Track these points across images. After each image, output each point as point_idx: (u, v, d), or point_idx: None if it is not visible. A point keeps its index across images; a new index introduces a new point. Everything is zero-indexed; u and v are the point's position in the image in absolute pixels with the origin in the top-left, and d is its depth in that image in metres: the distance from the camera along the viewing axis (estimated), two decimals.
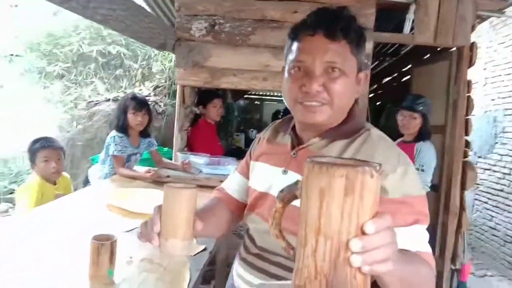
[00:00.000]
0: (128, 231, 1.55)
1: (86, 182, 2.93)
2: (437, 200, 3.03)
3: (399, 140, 2.85)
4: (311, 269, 0.49)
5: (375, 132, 0.90)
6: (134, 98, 2.67)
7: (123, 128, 2.62)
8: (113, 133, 2.61)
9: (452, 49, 3.08)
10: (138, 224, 1.55)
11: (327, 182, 0.47)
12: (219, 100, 3.31)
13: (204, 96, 3.33)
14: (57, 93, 5.23)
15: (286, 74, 0.90)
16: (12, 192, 5.44)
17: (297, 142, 0.97)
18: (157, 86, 4.75)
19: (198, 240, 1.52)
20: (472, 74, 5.28)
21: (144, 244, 1.39)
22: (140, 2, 3.31)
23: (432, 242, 2.91)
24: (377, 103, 5.37)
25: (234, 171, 1.19)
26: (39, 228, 1.51)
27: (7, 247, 1.31)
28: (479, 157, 5.09)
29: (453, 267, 3.00)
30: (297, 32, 0.88)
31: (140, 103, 2.64)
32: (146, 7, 3.46)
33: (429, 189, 2.64)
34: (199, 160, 2.80)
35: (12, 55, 5.67)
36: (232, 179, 1.16)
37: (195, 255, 1.38)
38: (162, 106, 4.26)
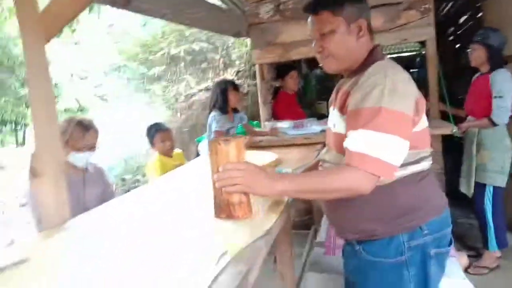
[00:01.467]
0: None
1: (197, 156, 3.56)
2: None
3: (477, 74, 2.92)
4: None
5: (379, 63, 1.19)
6: (229, 81, 3.21)
7: (223, 107, 3.15)
8: (213, 113, 3.16)
9: None
10: None
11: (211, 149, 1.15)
12: (295, 71, 3.70)
13: (281, 70, 3.74)
14: (158, 93, 6.10)
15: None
16: (137, 181, 6.52)
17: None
18: (238, 71, 5.29)
19: None
20: None
21: None
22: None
23: None
24: (457, 46, 5.21)
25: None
26: (170, 189, 1.90)
27: (148, 204, 1.87)
28: None
29: None
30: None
31: (236, 85, 3.19)
32: (219, 3, 3.95)
33: (506, 119, 2.66)
34: (284, 125, 3.23)
35: (119, 66, 6.71)
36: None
37: None
38: (246, 87, 4.78)
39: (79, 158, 2.06)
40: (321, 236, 2.35)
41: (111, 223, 1.45)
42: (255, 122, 4.08)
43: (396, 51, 6.93)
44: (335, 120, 1.24)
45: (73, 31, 8.27)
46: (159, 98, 6.04)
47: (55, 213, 1.46)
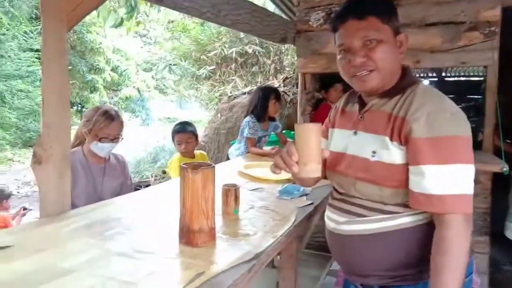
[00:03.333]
0: (252, 190, 1.96)
1: (228, 159, 3.51)
2: None
3: None
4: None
5: (421, 86, 1.05)
6: (273, 89, 3.14)
7: (260, 114, 3.07)
8: (248, 118, 3.10)
9: None
10: (260, 186, 1.95)
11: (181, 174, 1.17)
12: (340, 84, 3.53)
13: (326, 81, 3.59)
14: (206, 92, 6.17)
15: (338, 58, 1.12)
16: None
17: (362, 107, 1.15)
18: (286, 78, 5.19)
19: (307, 197, 1.83)
20: None
21: (264, 197, 1.76)
22: (261, 3, 3.75)
23: None
24: None
25: None
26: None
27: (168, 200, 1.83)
28: None
29: None
30: (335, 24, 1.11)
31: (279, 94, 3.11)
32: (269, 7, 3.88)
33: None
34: None
35: (170, 64, 6.88)
36: None
37: (302, 206, 1.69)
38: (290, 95, 4.67)
39: (101, 148, 2.07)
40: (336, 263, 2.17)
41: (110, 219, 1.42)
42: (292, 132, 3.95)
43: (456, 74, 6.46)
44: (375, 148, 1.05)
45: (138, 23, 8.62)
46: (206, 97, 6.10)
47: (55, 202, 1.46)
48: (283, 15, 3.80)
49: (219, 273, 1.03)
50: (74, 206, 1.69)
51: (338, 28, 1.09)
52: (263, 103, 3.07)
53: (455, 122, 0.96)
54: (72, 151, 1.87)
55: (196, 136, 2.83)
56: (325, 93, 3.53)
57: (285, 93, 4.61)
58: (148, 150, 8.93)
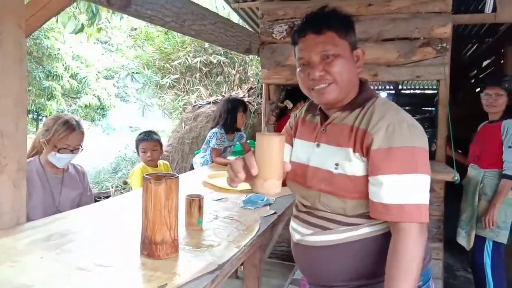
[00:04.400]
0: (216, 200, 1.96)
1: (192, 168, 3.49)
2: None
3: (484, 123, 2.78)
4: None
5: (380, 99, 1.10)
6: (243, 101, 3.17)
7: (229, 126, 3.09)
8: (216, 129, 3.11)
9: None
10: (225, 196, 1.95)
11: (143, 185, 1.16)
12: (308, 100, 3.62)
13: (293, 94, 3.66)
14: (169, 101, 6.09)
15: (297, 71, 1.15)
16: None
17: (324, 119, 1.17)
18: (251, 88, 5.24)
19: (270, 207, 1.85)
20: None
21: (228, 207, 1.77)
22: (226, 14, 3.79)
23: None
24: (477, 89, 5.06)
25: None
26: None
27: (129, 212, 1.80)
28: None
29: None
30: (294, 38, 1.14)
31: (246, 106, 3.13)
32: (234, 18, 3.93)
33: None
34: None
35: (133, 72, 6.75)
36: None
37: (265, 216, 1.71)
38: (255, 105, 4.71)
39: (59, 159, 1.99)
40: (299, 273, 2.20)
41: (69, 232, 1.37)
42: None
43: (412, 87, 6.81)
44: (338, 160, 1.06)
45: (99, 30, 8.42)
46: (170, 106, 6.03)
47: (10, 214, 1.39)
48: (248, 27, 3.87)
49: (182, 285, 1.02)
50: (30, 218, 1.62)
51: (297, 42, 1.13)
52: (232, 115, 3.10)
53: (413, 134, 0.99)
54: (28, 161, 1.80)
55: (161, 144, 2.82)
56: (293, 106, 3.59)
57: (250, 103, 4.65)
58: (108, 160, 8.67)
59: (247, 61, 6.30)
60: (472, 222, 2.62)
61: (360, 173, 1.03)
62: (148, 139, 2.73)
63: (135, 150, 2.85)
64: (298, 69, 1.15)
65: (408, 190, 0.96)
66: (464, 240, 2.68)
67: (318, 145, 1.15)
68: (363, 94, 1.13)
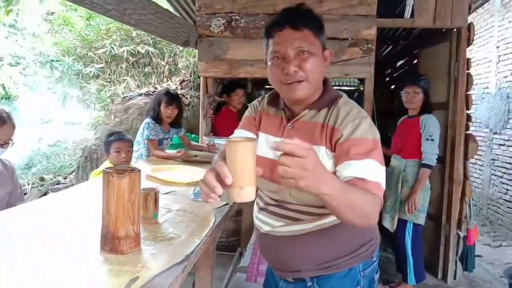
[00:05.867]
0: (165, 193, 1.94)
1: None
2: (442, 171, 3.27)
3: (404, 117, 3.10)
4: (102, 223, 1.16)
5: (343, 99, 1.18)
6: (167, 93, 3.09)
7: (157, 117, 3.04)
8: (148, 120, 3.03)
9: (453, 30, 3.28)
10: (173, 189, 1.94)
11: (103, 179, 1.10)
12: (241, 90, 3.69)
13: (228, 86, 3.71)
14: (94, 92, 5.74)
15: (269, 64, 1.16)
16: (58, 183, 6.03)
17: (290, 115, 1.21)
18: (183, 80, 5.16)
19: (221, 198, 1.88)
20: (482, 53, 5.39)
21: (179, 200, 1.77)
22: (165, 5, 3.71)
23: (438, 210, 3.16)
24: (392, 87, 5.56)
25: (238, 129, 1.38)
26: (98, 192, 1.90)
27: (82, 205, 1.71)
28: (494, 133, 5.21)
29: (459, 233, 3.24)
30: (270, 30, 1.15)
31: (171, 99, 3.05)
32: (171, 9, 3.85)
33: (435, 161, 2.86)
34: (222, 142, 3.16)
35: (52, 60, 6.22)
36: (240, 135, 1.31)
37: (218, 207, 1.75)
38: (188, 98, 4.66)
39: None
40: (246, 260, 2.28)
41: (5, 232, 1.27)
42: (193, 135, 3.96)
43: (338, 83, 7.26)
44: None
45: (9, 12, 7.61)
46: (94, 97, 5.68)
47: None
48: (188, 18, 3.81)
49: (154, 277, 1.03)
50: None
51: (273, 35, 1.13)
52: (156, 106, 3.07)
53: (372, 128, 1.10)
54: None
55: (132, 145, 2.72)
56: (227, 97, 3.64)
57: (183, 95, 4.59)
58: (19, 154, 7.91)
59: (177, 53, 6.18)
60: (396, 207, 2.92)
61: (329, 170, 1.07)
62: (122, 139, 2.61)
63: (105, 150, 2.68)
64: (269, 63, 1.16)
65: (370, 170, 1.02)
66: (389, 223, 2.98)
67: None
68: (328, 94, 1.19)
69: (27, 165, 7.57)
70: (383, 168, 1.06)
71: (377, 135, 1.09)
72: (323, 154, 1.10)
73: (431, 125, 2.84)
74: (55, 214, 1.53)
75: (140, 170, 1.19)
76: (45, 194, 5.76)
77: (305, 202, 1.15)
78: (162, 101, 3.04)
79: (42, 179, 6.45)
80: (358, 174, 1.01)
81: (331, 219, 1.16)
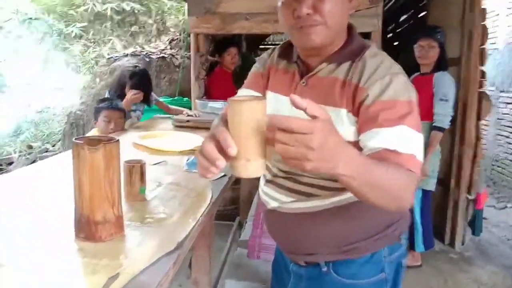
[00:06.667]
0: (154, 164, 1.71)
1: None
2: (452, 132, 3.07)
3: (415, 74, 2.83)
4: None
5: (372, 50, 0.94)
6: (132, 76, 2.85)
7: (121, 98, 2.81)
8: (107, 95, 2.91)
9: None
10: (163, 159, 1.73)
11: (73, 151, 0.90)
12: (234, 48, 3.39)
13: (219, 44, 3.41)
14: (78, 53, 5.39)
15: (279, 5, 0.95)
16: (46, 151, 5.80)
17: (305, 69, 0.99)
18: (172, 40, 4.81)
19: None
20: (494, 5, 5.06)
21: (170, 171, 1.56)
22: None
23: (448, 173, 2.99)
24: (395, 43, 5.27)
25: (243, 88, 1.19)
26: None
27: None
28: (501, 91, 5.00)
29: (469, 197, 3.09)
30: None
31: (137, 83, 2.81)
32: None
33: (449, 124, 2.65)
34: (217, 105, 2.91)
35: (30, 18, 5.79)
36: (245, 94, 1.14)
37: (216, 179, 1.53)
38: (178, 59, 4.35)
39: None
40: (246, 233, 2.11)
41: None
42: (185, 99, 3.71)
43: None
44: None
45: None
46: (78, 59, 5.33)
47: None
48: None
49: (138, 273, 0.82)
50: None
51: None
52: (119, 89, 2.92)
53: (407, 87, 0.88)
54: None
55: (125, 114, 2.54)
56: (219, 57, 3.35)
57: (173, 56, 4.28)
58: (5, 121, 7.63)
59: (165, 10, 5.78)
60: None
61: (351, 138, 0.88)
62: (113, 107, 2.41)
63: (94, 117, 2.48)
64: (279, 2, 0.94)
65: (404, 140, 0.82)
66: None
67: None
68: (353, 43, 0.96)
69: (15, 132, 7.33)
70: (420, 137, 0.85)
71: (413, 95, 0.87)
72: (343, 119, 0.89)
73: (445, 83, 2.60)
74: (21, 191, 1.31)
75: (118, 140, 0.96)
76: (33, 162, 5.55)
77: (321, 174, 0.94)
78: (127, 84, 2.84)
79: (30, 147, 6.23)
80: (388, 145, 0.80)
81: (350, 194, 0.94)
